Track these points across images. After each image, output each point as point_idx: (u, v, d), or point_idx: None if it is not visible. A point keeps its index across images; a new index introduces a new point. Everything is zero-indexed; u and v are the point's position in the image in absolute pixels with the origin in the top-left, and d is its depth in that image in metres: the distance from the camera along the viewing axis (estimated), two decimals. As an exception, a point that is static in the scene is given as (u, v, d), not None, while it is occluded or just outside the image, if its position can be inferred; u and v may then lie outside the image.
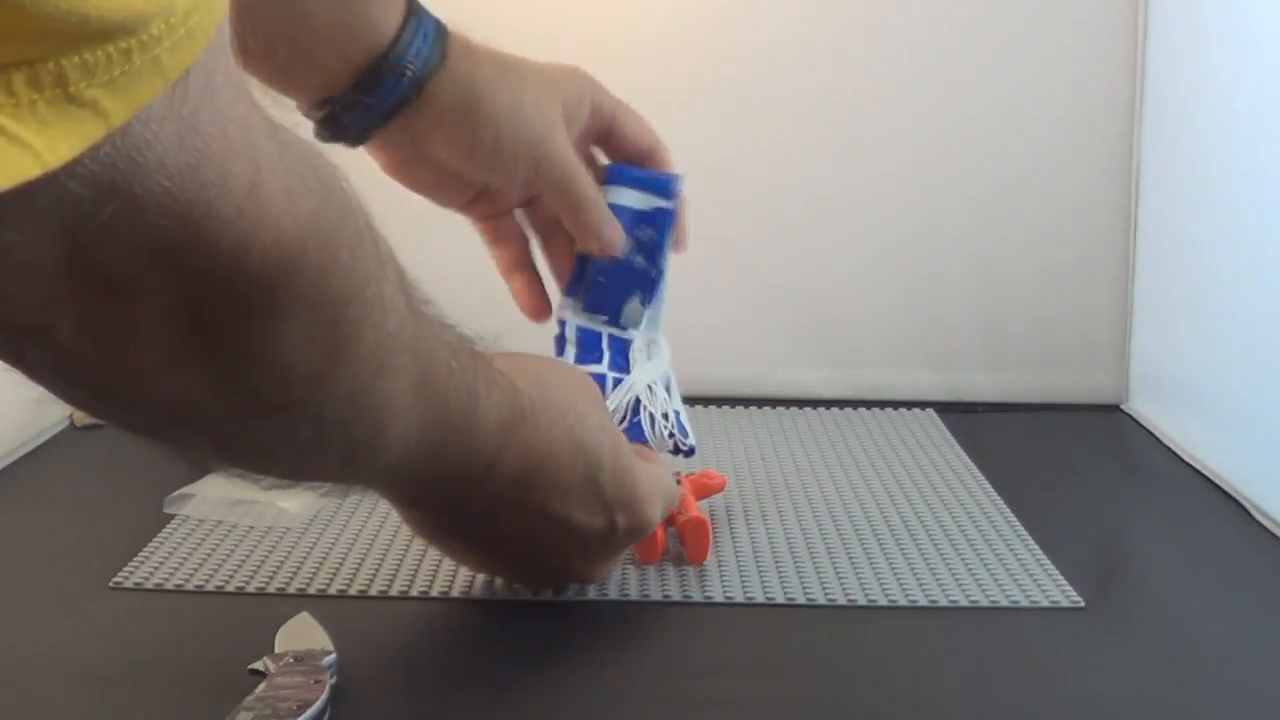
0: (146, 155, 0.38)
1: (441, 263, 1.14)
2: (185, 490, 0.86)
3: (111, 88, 0.33)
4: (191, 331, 0.45)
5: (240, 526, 0.83)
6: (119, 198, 0.38)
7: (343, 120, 0.71)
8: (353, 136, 0.72)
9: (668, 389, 0.85)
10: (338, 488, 0.67)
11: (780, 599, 0.73)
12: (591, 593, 0.74)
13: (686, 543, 0.77)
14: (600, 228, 0.77)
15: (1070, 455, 1.02)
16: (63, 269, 0.40)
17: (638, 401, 0.85)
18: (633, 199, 0.79)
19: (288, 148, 0.46)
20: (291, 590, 0.73)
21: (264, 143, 0.44)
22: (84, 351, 0.44)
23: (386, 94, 0.69)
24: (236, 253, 0.43)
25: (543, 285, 0.81)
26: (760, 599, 0.73)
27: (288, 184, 0.45)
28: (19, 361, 0.47)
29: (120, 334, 0.44)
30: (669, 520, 0.77)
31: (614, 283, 0.80)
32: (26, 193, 0.33)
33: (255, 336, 0.47)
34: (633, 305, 0.80)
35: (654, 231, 0.79)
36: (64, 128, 0.33)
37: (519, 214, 0.80)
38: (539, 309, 0.81)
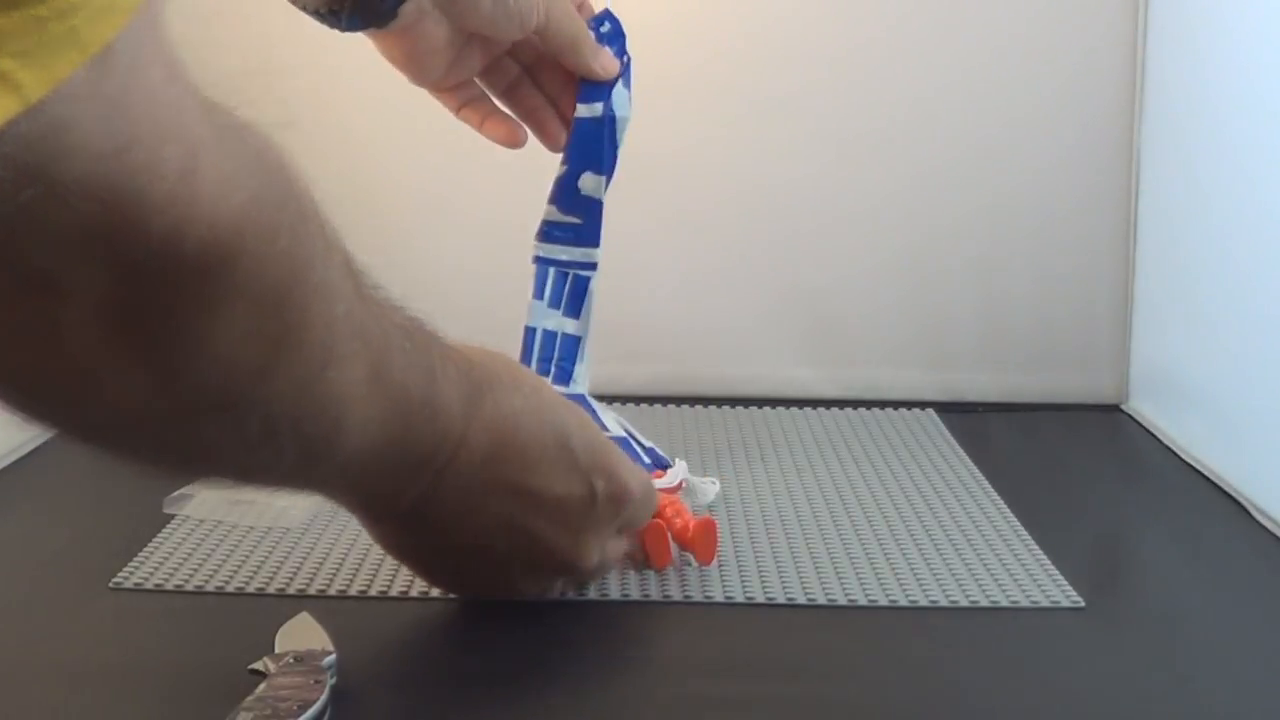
0: (68, 136, 0.36)
1: (441, 263, 1.15)
2: (185, 490, 0.86)
3: (25, 59, 0.32)
4: (125, 328, 0.43)
5: (240, 526, 0.82)
6: (39, 182, 0.36)
7: None
8: (386, 12, 0.71)
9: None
10: (299, 491, 0.65)
11: (780, 599, 0.73)
12: (592, 593, 0.74)
13: (695, 543, 0.77)
14: (597, 56, 0.81)
15: (1070, 455, 1.02)
16: None
17: (629, 435, 0.88)
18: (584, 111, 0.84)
19: (226, 131, 0.44)
20: (291, 590, 0.73)
21: (198, 125, 0.42)
22: (12, 355, 0.43)
23: None
24: (169, 241, 0.41)
25: (511, 118, 0.83)
26: (760, 599, 0.73)
27: (224, 169, 0.43)
28: None
29: (49, 334, 0.42)
30: (670, 529, 0.77)
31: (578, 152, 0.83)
32: None
33: (193, 330, 0.45)
34: (588, 177, 0.83)
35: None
36: None
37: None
38: (515, 135, 0.83)
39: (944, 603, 0.73)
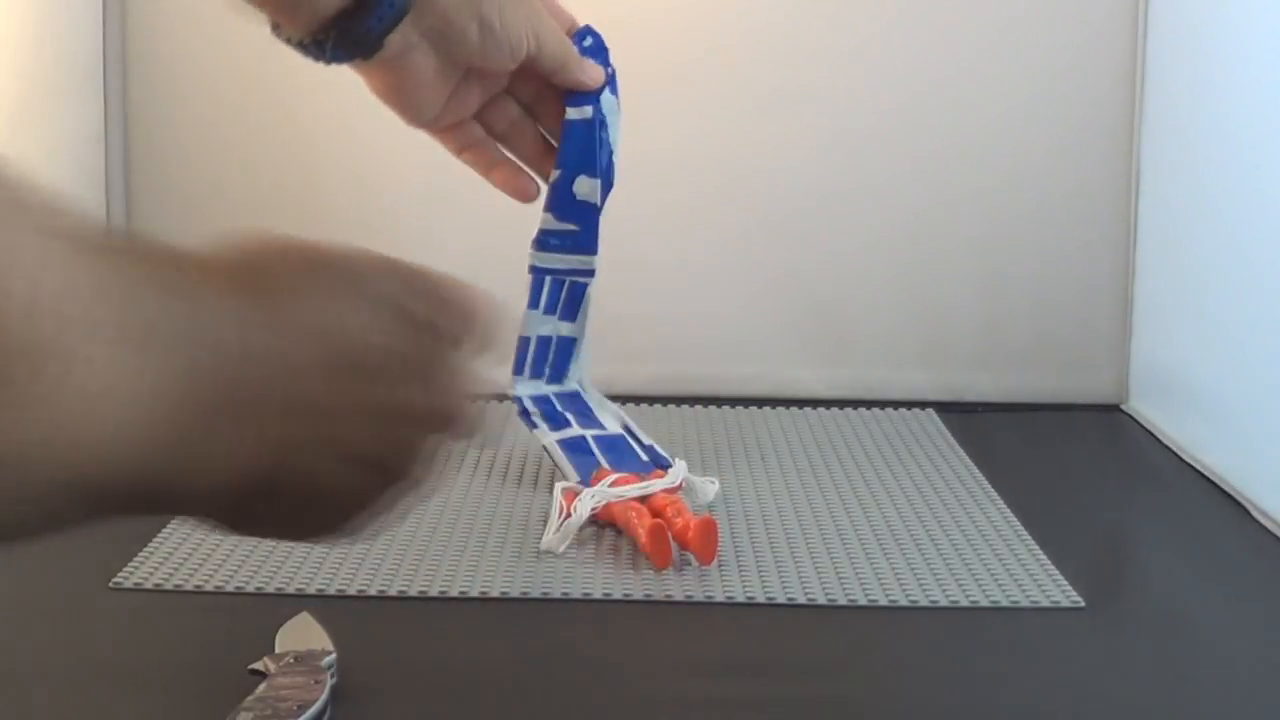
0: None
1: (443, 257, 1.14)
2: (185, 490, 0.86)
3: None
4: None
5: (240, 526, 0.82)
6: None
7: (359, 27, 0.68)
8: (371, 41, 0.69)
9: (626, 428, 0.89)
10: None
11: (780, 599, 0.73)
12: (595, 593, 0.74)
13: (695, 543, 0.77)
14: (584, 69, 0.80)
15: (1070, 455, 1.02)
16: None
17: (628, 431, 0.88)
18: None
19: None
20: (291, 590, 0.73)
21: None
22: None
23: None
24: None
25: (522, 169, 0.82)
26: (760, 599, 0.73)
27: None
28: None
29: None
30: (670, 529, 0.77)
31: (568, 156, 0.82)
32: None
33: None
34: (583, 182, 0.82)
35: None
36: None
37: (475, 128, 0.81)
38: (526, 188, 0.82)
39: (944, 603, 0.73)
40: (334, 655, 0.63)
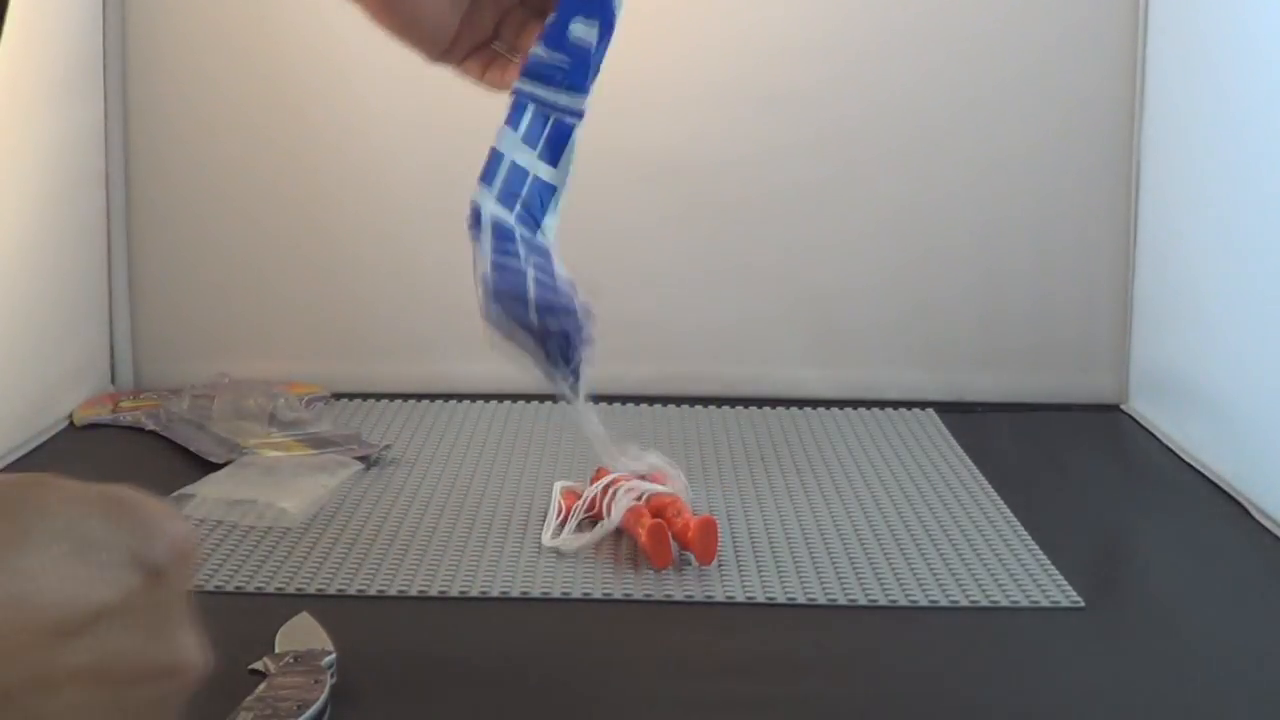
0: None
1: (442, 264, 1.15)
2: (185, 490, 0.86)
3: None
4: None
5: (240, 526, 0.83)
6: None
7: None
8: None
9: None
10: None
11: (781, 599, 0.73)
12: (595, 593, 0.74)
13: (695, 543, 0.77)
14: None
15: (1070, 455, 1.02)
16: None
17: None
18: None
19: None
20: (291, 590, 0.73)
21: None
22: None
23: None
24: None
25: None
26: (760, 599, 0.73)
27: None
28: None
29: None
30: (669, 528, 0.77)
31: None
32: None
33: None
34: (579, 24, 0.78)
35: None
36: None
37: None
38: None
39: (944, 603, 0.73)
40: (334, 655, 0.63)
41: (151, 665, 0.41)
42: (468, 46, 0.74)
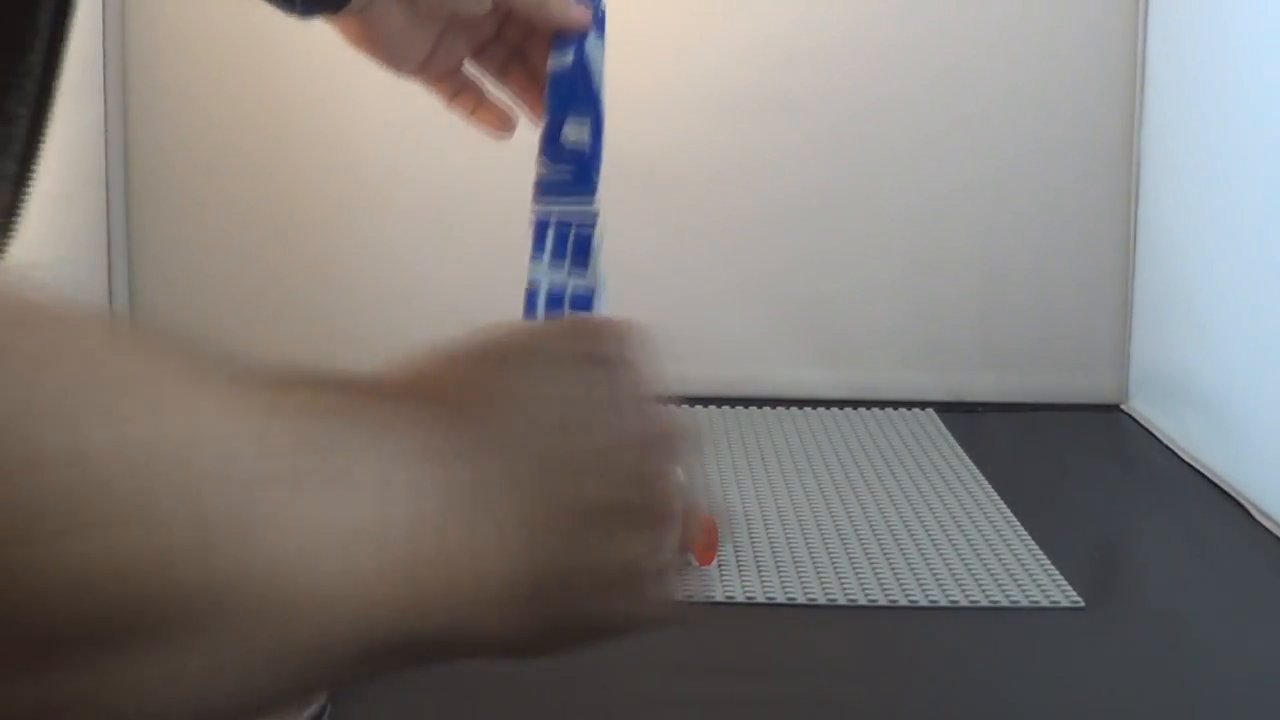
0: None
1: (438, 268, 1.15)
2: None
3: None
4: None
5: (240, 527, 0.82)
6: None
7: None
8: None
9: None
10: None
11: (781, 599, 0.73)
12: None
13: (695, 543, 0.77)
14: (566, 9, 0.78)
15: (1070, 455, 1.02)
16: None
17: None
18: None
19: None
20: (292, 590, 0.73)
21: None
22: None
23: None
24: None
25: (499, 106, 0.82)
26: (760, 599, 0.73)
27: None
28: None
29: None
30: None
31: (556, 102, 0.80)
32: None
33: None
34: (570, 127, 0.80)
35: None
36: None
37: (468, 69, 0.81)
38: (505, 119, 0.81)
39: (944, 603, 0.73)
40: (334, 655, 0.63)
41: (633, 435, 0.44)
42: (439, 71, 0.76)
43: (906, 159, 1.13)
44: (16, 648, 0.30)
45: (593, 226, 0.81)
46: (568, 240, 0.79)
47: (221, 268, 1.15)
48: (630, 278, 1.16)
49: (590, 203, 0.81)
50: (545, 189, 0.81)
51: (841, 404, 1.12)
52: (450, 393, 0.41)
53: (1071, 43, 1.12)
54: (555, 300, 0.81)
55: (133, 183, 1.14)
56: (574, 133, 0.78)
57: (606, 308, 0.81)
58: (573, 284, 0.80)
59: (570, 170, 0.80)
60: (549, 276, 0.80)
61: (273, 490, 0.33)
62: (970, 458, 0.99)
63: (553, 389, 0.43)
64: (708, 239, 1.15)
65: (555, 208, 0.80)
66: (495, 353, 0.44)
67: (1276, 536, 0.83)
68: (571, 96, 0.79)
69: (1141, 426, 1.08)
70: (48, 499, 0.29)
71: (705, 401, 1.12)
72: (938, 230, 1.14)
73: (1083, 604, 0.73)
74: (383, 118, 1.12)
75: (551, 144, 0.79)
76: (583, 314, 0.57)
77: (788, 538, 0.82)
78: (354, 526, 0.34)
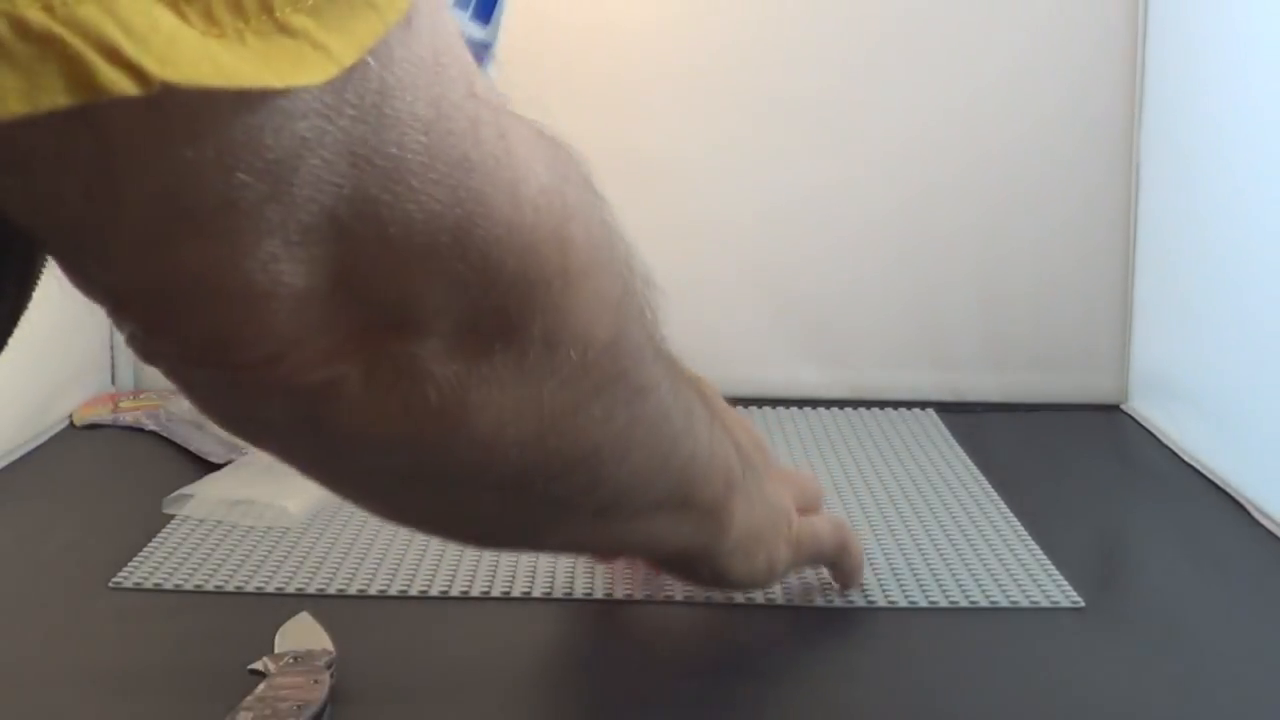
0: (396, 104, 0.33)
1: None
2: (185, 490, 0.86)
3: (319, 17, 0.29)
4: (489, 350, 0.39)
5: (240, 526, 0.83)
6: (373, 167, 0.33)
7: None
8: None
9: None
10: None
11: (780, 599, 0.73)
12: (596, 593, 0.74)
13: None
14: None
15: (1070, 455, 1.02)
16: (334, 294, 0.35)
17: None
18: None
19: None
20: (291, 590, 0.73)
21: (493, 90, 0.38)
22: (380, 405, 0.38)
23: None
24: (509, 207, 0.37)
25: None
26: (760, 599, 0.73)
27: (530, 141, 0.39)
28: (302, 435, 0.40)
29: (416, 372, 0.38)
30: None
31: None
32: (282, 171, 0.29)
33: (552, 307, 0.40)
34: None
35: None
36: (284, 61, 0.28)
37: None
38: None
39: (944, 603, 0.73)
40: (334, 655, 0.63)
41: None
42: None
43: (905, 159, 1.13)
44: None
45: None
46: None
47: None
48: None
49: None
50: None
51: (841, 404, 1.12)
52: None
53: (1071, 44, 1.12)
54: None
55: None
56: None
57: (493, 67, 0.80)
58: (472, 32, 0.80)
59: None
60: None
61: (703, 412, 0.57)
62: (970, 458, 0.99)
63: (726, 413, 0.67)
64: (706, 238, 1.15)
65: None
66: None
67: (1276, 536, 0.83)
68: None
69: (1141, 426, 1.08)
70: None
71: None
72: (937, 230, 1.14)
73: (1083, 604, 0.73)
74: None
75: None
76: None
77: (787, 538, 0.82)
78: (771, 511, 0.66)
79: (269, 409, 0.38)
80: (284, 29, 0.28)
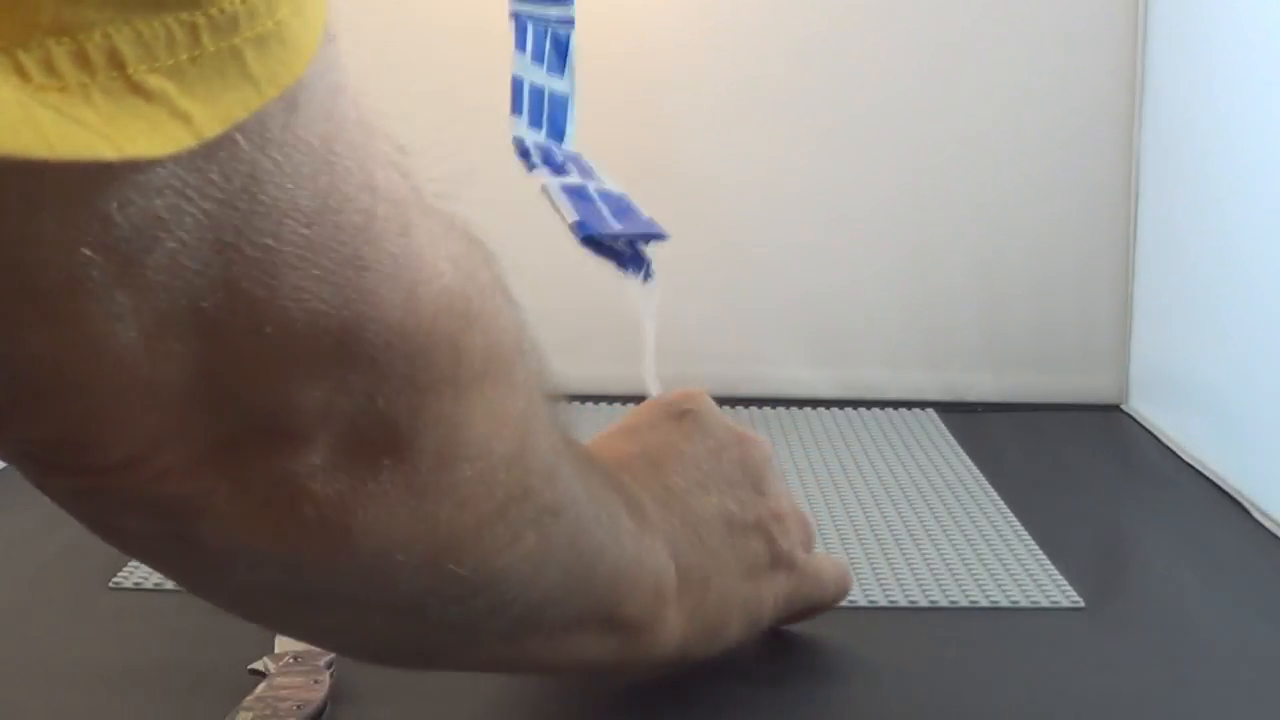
0: (272, 191, 0.29)
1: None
2: (185, 490, 0.86)
3: (181, 80, 0.26)
4: (376, 452, 0.36)
5: (240, 526, 0.82)
6: (243, 257, 0.29)
7: None
8: None
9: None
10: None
11: (780, 599, 0.73)
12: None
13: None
14: None
15: (1070, 455, 1.01)
16: (199, 395, 0.31)
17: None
18: None
19: (418, 188, 0.37)
20: (291, 590, 0.73)
21: (401, 182, 0.35)
22: (252, 523, 0.35)
23: None
24: (404, 310, 0.34)
25: None
26: (760, 599, 0.73)
27: (430, 224, 0.36)
28: (169, 549, 0.37)
29: (293, 488, 0.35)
30: None
31: None
32: (133, 250, 0.26)
33: (445, 418, 0.37)
34: None
35: None
36: (135, 127, 0.25)
37: None
38: None
39: (944, 603, 0.73)
40: (334, 655, 0.63)
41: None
42: None
43: (904, 158, 1.13)
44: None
45: (570, 29, 0.81)
46: (545, 39, 0.80)
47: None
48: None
49: (569, 9, 0.81)
50: None
51: (840, 404, 1.12)
52: (616, 452, 0.60)
53: (1071, 43, 1.12)
54: (536, 99, 0.82)
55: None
56: None
57: (577, 117, 0.82)
58: (552, 85, 0.81)
59: None
60: (530, 74, 0.80)
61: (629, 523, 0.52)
62: (970, 458, 0.99)
63: (683, 443, 0.61)
64: (706, 237, 1.14)
65: (534, 8, 0.80)
66: (637, 424, 0.66)
67: (1276, 536, 0.83)
68: None
69: (1141, 426, 1.08)
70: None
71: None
72: (937, 230, 1.14)
73: (1083, 604, 0.73)
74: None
75: None
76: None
77: (787, 538, 0.82)
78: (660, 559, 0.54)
79: (130, 519, 0.35)
80: (138, 90, 0.25)
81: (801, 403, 1.12)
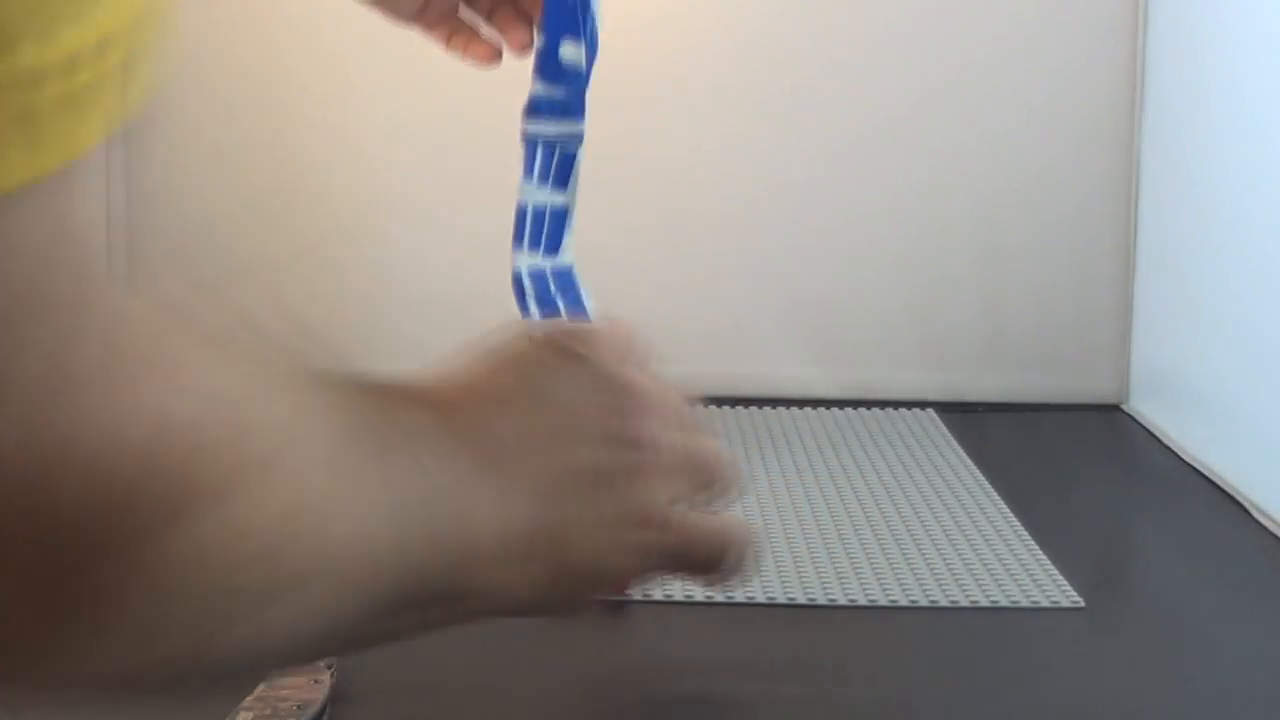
0: None
1: (441, 268, 1.15)
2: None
3: None
4: (61, 593, 0.31)
5: (240, 526, 0.82)
6: None
7: None
8: None
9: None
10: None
11: (781, 599, 0.73)
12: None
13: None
14: None
15: (1070, 455, 1.02)
16: None
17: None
18: None
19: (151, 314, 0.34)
20: (291, 590, 0.73)
21: (125, 307, 0.32)
22: None
23: None
24: (99, 440, 0.30)
25: (482, 39, 0.83)
26: (761, 599, 0.73)
27: (152, 346, 0.33)
28: None
29: None
30: None
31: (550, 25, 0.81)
32: None
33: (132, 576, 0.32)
34: (568, 47, 0.81)
35: None
36: None
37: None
38: (491, 52, 0.82)
39: (944, 603, 0.73)
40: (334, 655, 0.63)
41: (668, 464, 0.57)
42: (435, 16, 0.78)
43: (904, 159, 1.13)
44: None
45: (577, 145, 0.82)
46: (552, 158, 0.81)
47: (222, 267, 1.15)
48: (624, 276, 1.17)
49: (579, 123, 0.82)
50: (539, 109, 0.82)
51: (840, 404, 1.12)
52: (465, 390, 0.51)
53: (1071, 43, 1.12)
54: (538, 219, 0.83)
55: (132, 183, 1.14)
56: (571, 53, 0.79)
57: (575, 227, 0.82)
58: (553, 201, 0.82)
59: (564, 91, 0.81)
60: (535, 196, 0.82)
61: (348, 466, 0.41)
62: (970, 458, 0.99)
63: (547, 384, 0.54)
64: (706, 237, 1.15)
65: (547, 128, 0.81)
66: (502, 358, 0.55)
67: (1276, 536, 0.83)
68: (570, 15, 0.80)
69: (1141, 426, 1.08)
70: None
71: (705, 401, 1.12)
72: (937, 230, 1.14)
73: (1083, 604, 0.73)
74: (388, 120, 1.12)
75: (548, 64, 0.80)
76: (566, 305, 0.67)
77: (787, 538, 0.82)
78: (402, 499, 0.43)
79: None
80: None
81: (801, 403, 1.13)
